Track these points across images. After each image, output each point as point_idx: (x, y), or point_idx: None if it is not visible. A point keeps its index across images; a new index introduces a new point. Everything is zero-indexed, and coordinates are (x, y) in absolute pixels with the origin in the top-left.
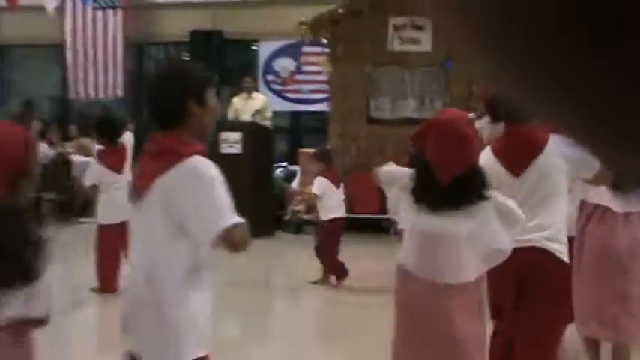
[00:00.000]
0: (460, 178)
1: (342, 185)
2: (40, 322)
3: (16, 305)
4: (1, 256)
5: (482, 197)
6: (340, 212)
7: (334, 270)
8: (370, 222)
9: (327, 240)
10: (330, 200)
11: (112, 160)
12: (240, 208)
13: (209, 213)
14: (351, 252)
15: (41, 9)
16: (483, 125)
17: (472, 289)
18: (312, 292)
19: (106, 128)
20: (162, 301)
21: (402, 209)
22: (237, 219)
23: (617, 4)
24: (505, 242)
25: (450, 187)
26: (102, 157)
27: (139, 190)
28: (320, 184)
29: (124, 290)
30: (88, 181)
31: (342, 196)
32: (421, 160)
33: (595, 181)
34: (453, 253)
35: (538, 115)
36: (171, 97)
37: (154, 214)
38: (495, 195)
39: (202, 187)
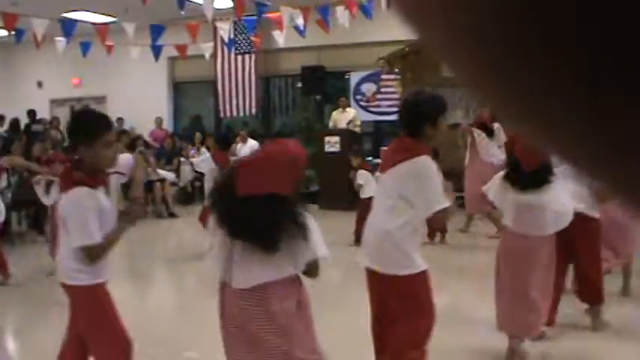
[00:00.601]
0: (538, 167)
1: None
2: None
3: (306, 253)
4: (288, 228)
5: (552, 178)
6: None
7: (356, 235)
8: None
9: (362, 213)
10: (369, 186)
11: (221, 159)
12: (338, 189)
13: (431, 197)
14: None
15: (201, 56)
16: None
17: (549, 240)
18: None
19: (221, 140)
20: (395, 243)
21: (495, 195)
22: (446, 204)
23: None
24: (570, 210)
25: (532, 173)
26: (215, 156)
27: (382, 171)
28: (361, 176)
29: (366, 235)
30: (197, 167)
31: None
32: (513, 157)
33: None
34: (537, 216)
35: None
36: (414, 119)
37: (389, 188)
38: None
39: (427, 178)
